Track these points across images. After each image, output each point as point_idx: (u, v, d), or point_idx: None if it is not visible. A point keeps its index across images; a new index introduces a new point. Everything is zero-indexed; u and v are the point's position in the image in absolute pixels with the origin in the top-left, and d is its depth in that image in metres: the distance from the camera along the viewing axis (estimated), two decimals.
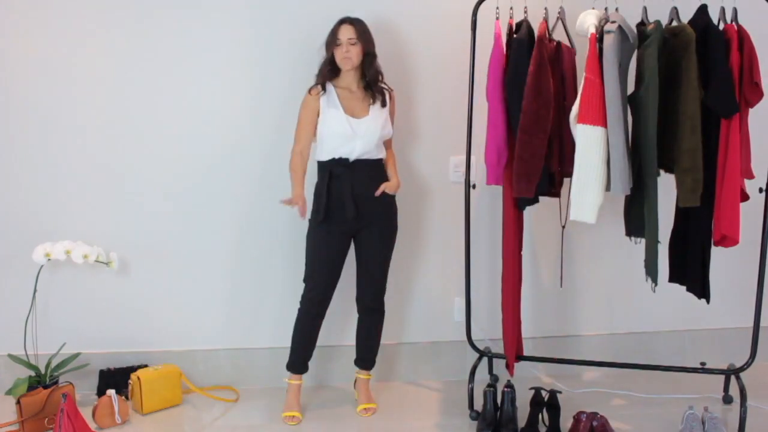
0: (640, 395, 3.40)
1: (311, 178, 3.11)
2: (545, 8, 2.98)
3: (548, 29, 2.96)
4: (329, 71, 3.06)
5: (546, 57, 2.86)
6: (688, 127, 2.76)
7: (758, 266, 3.01)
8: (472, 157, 3.20)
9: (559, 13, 3.02)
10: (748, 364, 3.14)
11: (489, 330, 3.54)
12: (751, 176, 2.93)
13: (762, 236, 2.99)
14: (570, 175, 2.83)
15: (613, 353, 3.62)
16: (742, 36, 2.80)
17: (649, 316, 3.70)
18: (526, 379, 3.45)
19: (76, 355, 3.30)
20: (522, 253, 3.18)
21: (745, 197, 2.90)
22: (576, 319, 3.71)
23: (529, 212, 3.22)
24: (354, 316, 3.32)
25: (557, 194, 3.11)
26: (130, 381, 3.27)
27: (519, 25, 3.00)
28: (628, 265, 3.50)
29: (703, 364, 3.28)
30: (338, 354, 3.54)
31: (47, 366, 3.21)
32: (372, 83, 3.08)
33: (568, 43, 3.04)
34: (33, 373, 3.20)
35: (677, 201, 2.88)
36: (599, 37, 2.75)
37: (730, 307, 3.61)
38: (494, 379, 3.48)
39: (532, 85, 2.83)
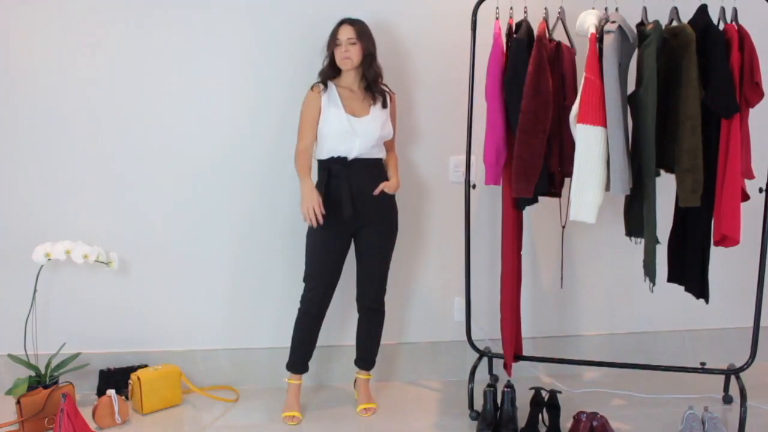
0: (640, 395, 3.40)
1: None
2: (545, 8, 2.98)
3: (548, 29, 2.96)
4: (330, 71, 3.08)
5: (545, 57, 2.86)
6: (688, 127, 2.76)
7: (758, 266, 3.01)
8: (472, 157, 3.20)
9: (559, 13, 3.02)
10: (748, 364, 3.14)
11: (489, 330, 3.54)
12: (751, 176, 2.93)
13: (762, 236, 2.99)
14: (570, 174, 2.83)
15: (613, 353, 3.62)
16: (743, 36, 2.79)
17: (649, 316, 3.70)
18: (526, 379, 3.45)
19: (76, 355, 3.30)
20: (522, 253, 3.19)
21: (745, 197, 2.90)
22: (576, 319, 3.71)
23: (529, 212, 3.23)
24: (354, 316, 3.32)
25: (558, 194, 3.11)
26: (130, 381, 3.27)
27: (519, 25, 3.00)
28: (628, 265, 3.50)
29: (703, 364, 3.28)
30: (338, 354, 3.54)
31: (47, 366, 3.21)
32: (372, 83, 3.08)
33: (568, 43, 3.04)
34: (33, 373, 3.20)
35: (677, 201, 2.88)
36: (599, 37, 2.75)
37: (730, 307, 3.61)
38: (494, 379, 3.48)
39: (531, 84, 2.83)
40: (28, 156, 3.31)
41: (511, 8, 3.04)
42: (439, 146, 3.49)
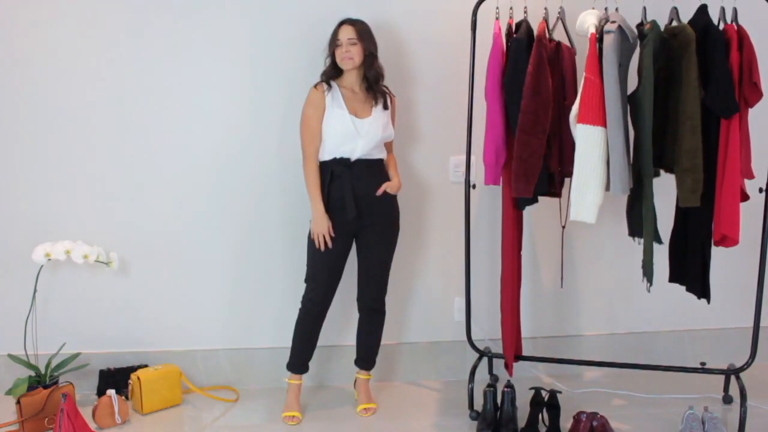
0: (640, 395, 3.40)
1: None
2: (545, 8, 2.98)
3: (548, 29, 2.96)
4: (333, 71, 3.08)
5: (545, 57, 2.86)
6: (688, 127, 2.76)
7: (758, 266, 3.01)
8: (472, 157, 3.20)
9: (559, 13, 3.02)
10: (748, 364, 3.14)
11: (489, 330, 3.54)
12: (751, 176, 2.93)
13: (762, 236, 2.99)
14: (570, 174, 2.83)
15: (613, 353, 3.62)
16: (742, 36, 2.80)
17: (649, 316, 3.70)
18: (526, 379, 3.45)
19: (76, 355, 3.30)
20: (522, 253, 3.19)
21: (745, 197, 2.90)
22: (576, 319, 3.71)
23: (529, 212, 3.23)
24: (354, 316, 3.32)
25: (558, 194, 3.11)
26: (130, 381, 3.27)
27: (519, 24, 3.00)
28: (628, 265, 3.50)
29: (703, 364, 3.28)
30: (338, 354, 3.54)
31: (47, 366, 3.21)
32: (373, 84, 3.08)
33: (568, 43, 3.04)
34: (33, 373, 3.20)
35: (677, 201, 2.88)
36: (599, 37, 2.76)
37: (730, 307, 3.61)
38: (494, 379, 3.48)
39: (530, 84, 2.83)
40: (28, 156, 3.31)
41: (511, 8, 3.04)
42: (439, 146, 3.49)
